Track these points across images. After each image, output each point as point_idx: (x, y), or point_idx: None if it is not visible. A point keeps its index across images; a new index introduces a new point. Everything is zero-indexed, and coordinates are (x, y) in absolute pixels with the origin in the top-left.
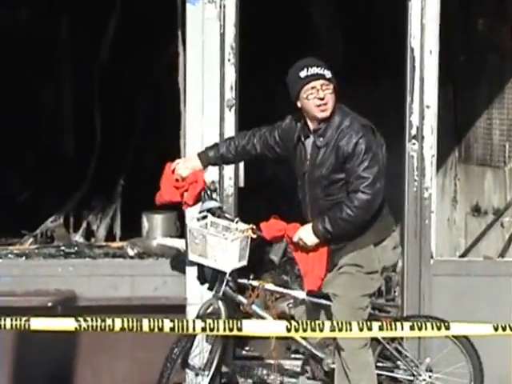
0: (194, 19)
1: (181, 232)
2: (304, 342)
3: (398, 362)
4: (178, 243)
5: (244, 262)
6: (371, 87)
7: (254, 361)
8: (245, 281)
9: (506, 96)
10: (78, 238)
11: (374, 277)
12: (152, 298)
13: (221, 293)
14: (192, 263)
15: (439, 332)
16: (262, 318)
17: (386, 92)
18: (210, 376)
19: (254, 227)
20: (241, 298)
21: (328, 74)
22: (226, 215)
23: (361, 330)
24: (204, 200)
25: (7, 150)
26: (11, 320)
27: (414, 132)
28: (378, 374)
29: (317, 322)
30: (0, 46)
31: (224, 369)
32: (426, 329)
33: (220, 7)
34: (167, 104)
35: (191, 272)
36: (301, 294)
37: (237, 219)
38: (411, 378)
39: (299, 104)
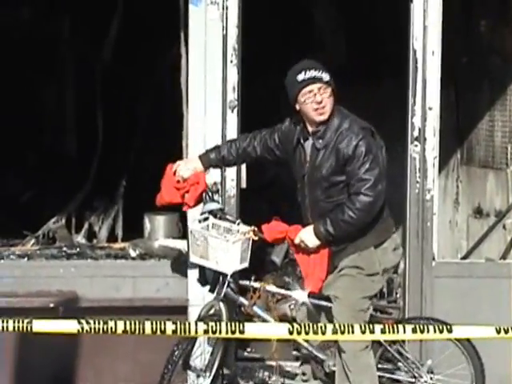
0: (196, 20)
1: (183, 233)
2: (305, 344)
3: (400, 364)
4: (180, 244)
5: (245, 264)
6: (373, 88)
7: (256, 362)
8: (246, 282)
9: (508, 98)
10: (80, 239)
11: (374, 279)
12: (154, 299)
13: (222, 294)
14: (194, 265)
15: (441, 335)
16: (264, 319)
17: (388, 92)
18: (211, 377)
19: (256, 229)
20: (242, 299)
21: (326, 77)
22: (228, 217)
23: (363, 332)
24: (205, 201)
25: (9, 150)
26: (14, 322)
27: (416, 134)
28: (380, 376)
29: (319, 324)
30: (2, 46)
31: (225, 370)
32: (428, 331)
33: (222, 8)
34: (169, 105)
35: (193, 273)
36: (302, 296)
37: (238, 221)
38: (412, 379)
39: (297, 107)
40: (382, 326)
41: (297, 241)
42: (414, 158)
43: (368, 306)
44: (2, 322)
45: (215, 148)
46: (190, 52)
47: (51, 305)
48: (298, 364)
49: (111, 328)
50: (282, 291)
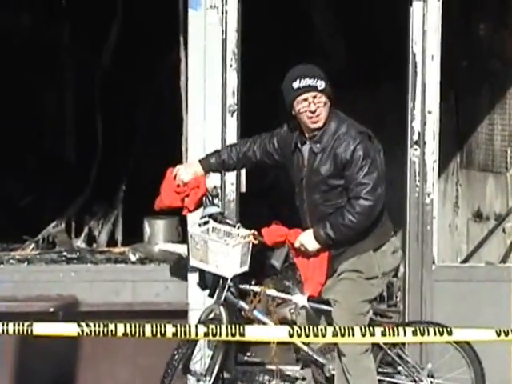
0: (195, 25)
1: (183, 237)
2: (305, 348)
3: (400, 368)
4: (180, 248)
5: (245, 268)
6: (373, 92)
7: (256, 366)
8: (246, 286)
9: (508, 102)
10: (80, 243)
11: (374, 282)
12: (154, 303)
13: (222, 298)
14: (194, 269)
15: (442, 338)
16: (264, 323)
17: (387, 96)
18: (211, 382)
19: (256, 233)
20: (242, 303)
21: (321, 85)
22: (228, 221)
23: (363, 335)
24: (205, 205)
25: (10, 154)
26: (14, 325)
27: (415, 138)
28: (380, 380)
29: (319, 327)
30: (3, 52)
31: (225, 374)
32: (428, 334)
33: (222, 13)
34: (169, 109)
35: (193, 277)
36: (302, 300)
37: (238, 225)
38: (413, 383)
39: (293, 113)
40: (382, 329)
41: (297, 244)
42: (414, 161)
43: (368, 310)
44: (3, 324)
45: (215, 152)
46: (189, 56)
47: (51, 309)
48: (298, 368)
49: (111, 331)
50: (282, 295)
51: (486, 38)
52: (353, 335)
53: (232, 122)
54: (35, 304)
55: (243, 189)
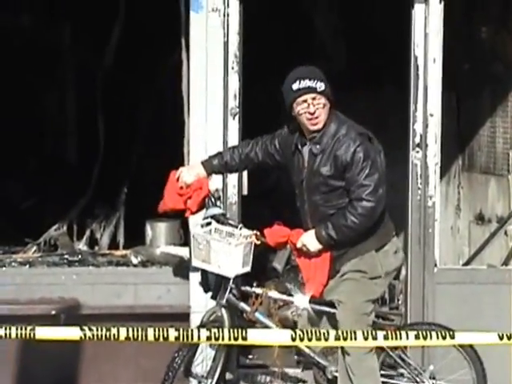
0: (197, 27)
1: (184, 240)
2: (307, 350)
3: (402, 370)
4: (182, 251)
5: (247, 268)
6: (374, 94)
7: (258, 369)
8: (248, 288)
9: (510, 104)
10: (82, 246)
11: (377, 282)
12: (155, 306)
13: (224, 300)
14: (196, 270)
15: (444, 341)
16: (266, 325)
17: (389, 99)
18: None
19: (258, 233)
20: (244, 305)
21: (320, 86)
22: (230, 222)
23: (366, 338)
24: (208, 207)
25: (11, 155)
26: (16, 329)
27: (417, 140)
28: (382, 382)
29: (322, 330)
30: (4, 53)
31: (227, 376)
32: (431, 338)
33: (224, 15)
34: (171, 111)
35: (195, 280)
36: (304, 302)
37: (240, 225)
38: None
39: (293, 114)
40: (384, 332)
41: (299, 245)
42: (416, 164)
43: (371, 310)
44: (5, 329)
45: (218, 154)
46: (191, 59)
47: (53, 312)
48: (299, 370)
49: (114, 335)
50: (284, 297)
51: (488, 40)
52: (355, 339)
53: (234, 125)
54: (37, 307)
55: (245, 191)
